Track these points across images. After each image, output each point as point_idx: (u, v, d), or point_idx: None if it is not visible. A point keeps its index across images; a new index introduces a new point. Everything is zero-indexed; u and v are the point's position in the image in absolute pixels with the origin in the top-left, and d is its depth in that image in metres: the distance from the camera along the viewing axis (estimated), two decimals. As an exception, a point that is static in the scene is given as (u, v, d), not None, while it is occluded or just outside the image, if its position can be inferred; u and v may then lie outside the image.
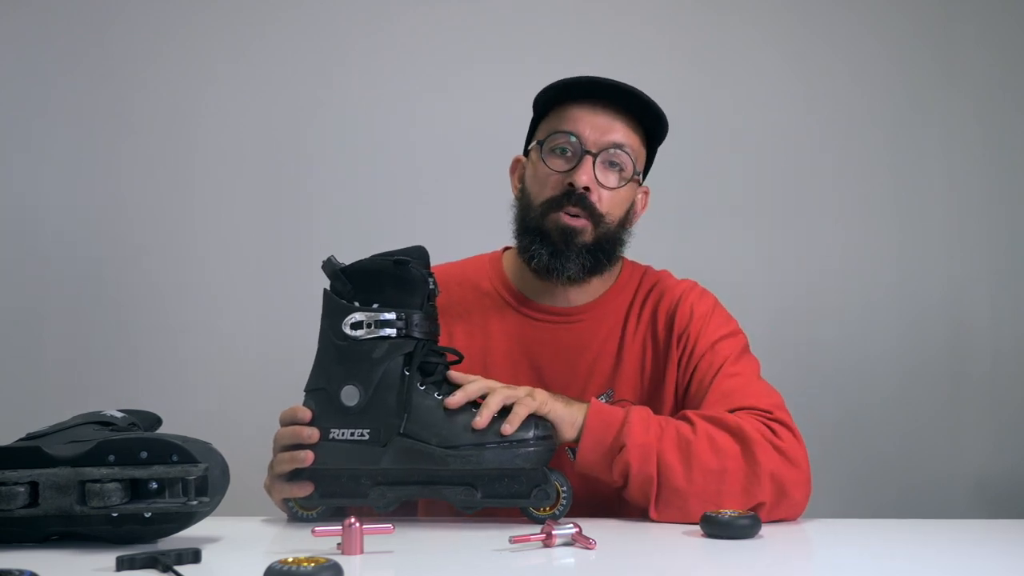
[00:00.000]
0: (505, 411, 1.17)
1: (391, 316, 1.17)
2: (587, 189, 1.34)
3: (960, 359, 2.24)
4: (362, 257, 1.22)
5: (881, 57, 2.29)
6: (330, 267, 1.20)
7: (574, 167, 1.34)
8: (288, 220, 2.25)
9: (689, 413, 1.24)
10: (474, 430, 1.15)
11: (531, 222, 1.38)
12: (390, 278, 1.19)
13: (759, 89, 2.27)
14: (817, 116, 2.28)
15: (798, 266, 2.25)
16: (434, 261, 1.27)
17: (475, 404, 1.19)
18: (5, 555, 1.00)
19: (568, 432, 1.20)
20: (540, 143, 1.39)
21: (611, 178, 1.36)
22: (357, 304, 1.18)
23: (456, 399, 1.16)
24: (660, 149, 1.47)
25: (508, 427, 1.14)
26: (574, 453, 1.23)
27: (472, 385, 1.18)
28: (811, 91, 2.28)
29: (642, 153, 1.41)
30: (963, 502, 2.18)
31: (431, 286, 1.22)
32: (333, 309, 1.20)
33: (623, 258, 1.48)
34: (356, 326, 1.18)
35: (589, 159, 1.34)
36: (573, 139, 1.35)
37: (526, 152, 1.46)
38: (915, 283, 2.25)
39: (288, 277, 2.21)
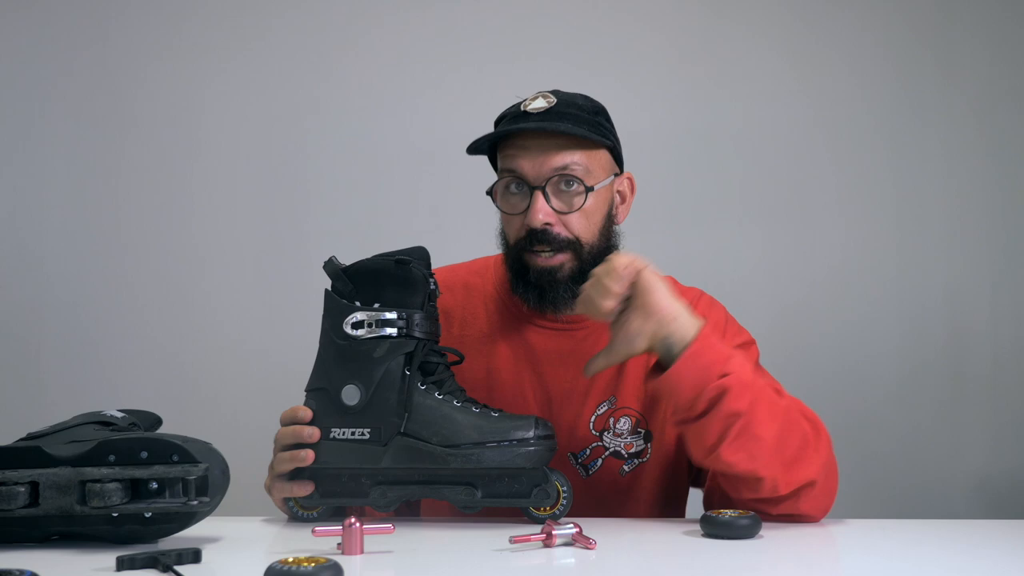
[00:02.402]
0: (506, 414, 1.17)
1: (392, 316, 1.17)
2: (547, 224, 1.30)
3: (960, 359, 2.24)
4: (363, 257, 1.22)
5: (881, 57, 2.29)
6: (332, 267, 1.20)
7: (527, 207, 1.30)
8: (289, 220, 2.25)
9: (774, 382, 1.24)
10: (474, 431, 1.15)
11: (511, 263, 1.35)
12: (391, 278, 1.19)
13: (759, 89, 2.27)
14: (817, 116, 2.28)
15: (798, 266, 2.25)
16: (435, 262, 1.27)
17: (476, 405, 1.19)
18: (5, 555, 1.00)
19: (661, 311, 1.18)
20: (493, 188, 1.36)
21: (568, 201, 1.31)
22: (358, 304, 1.19)
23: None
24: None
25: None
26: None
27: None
28: (811, 91, 2.28)
29: (597, 155, 1.33)
30: (963, 502, 2.18)
31: (432, 286, 1.22)
32: (334, 309, 1.20)
33: None
34: (357, 325, 1.18)
35: (538, 194, 1.28)
36: (519, 180, 1.31)
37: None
38: (915, 283, 2.25)
39: (288, 277, 2.21)
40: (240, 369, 2.20)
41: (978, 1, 2.29)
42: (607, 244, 1.36)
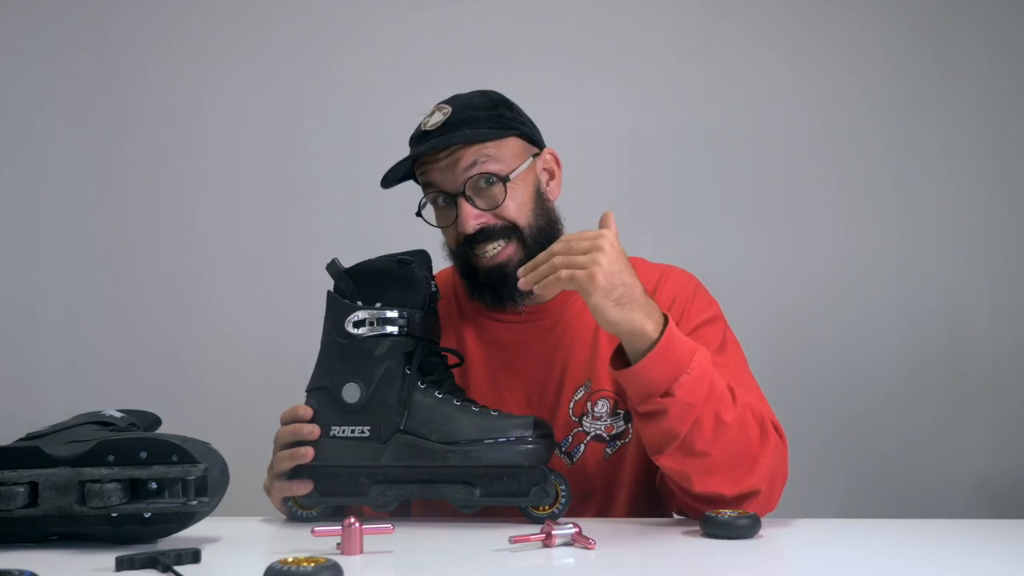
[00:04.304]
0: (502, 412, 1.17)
1: (393, 314, 1.18)
2: (481, 225, 1.31)
3: (960, 359, 2.24)
4: (363, 258, 1.23)
5: (881, 57, 2.29)
6: (334, 268, 1.21)
7: (455, 218, 1.31)
8: (289, 220, 2.25)
9: (732, 384, 1.19)
10: (473, 429, 1.14)
11: (461, 270, 1.36)
12: (393, 278, 1.20)
13: (759, 89, 2.27)
14: (817, 116, 2.28)
15: (798, 266, 2.25)
16: (436, 265, 1.27)
17: (476, 405, 1.19)
18: (5, 555, 1.00)
19: (608, 320, 1.13)
20: (422, 208, 1.37)
21: (490, 197, 1.32)
22: (360, 303, 1.19)
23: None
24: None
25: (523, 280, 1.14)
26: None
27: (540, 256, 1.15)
28: (811, 91, 2.28)
29: (507, 144, 1.34)
30: (963, 502, 2.18)
31: (433, 288, 1.23)
32: (336, 309, 1.21)
33: None
34: (358, 324, 1.18)
35: (461, 201, 1.30)
36: (438, 191, 1.33)
37: None
38: (915, 283, 2.25)
39: (288, 277, 2.21)
40: (240, 369, 2.20)
41: (978, 1, 2.29)
42: (547, 222, 1.36)
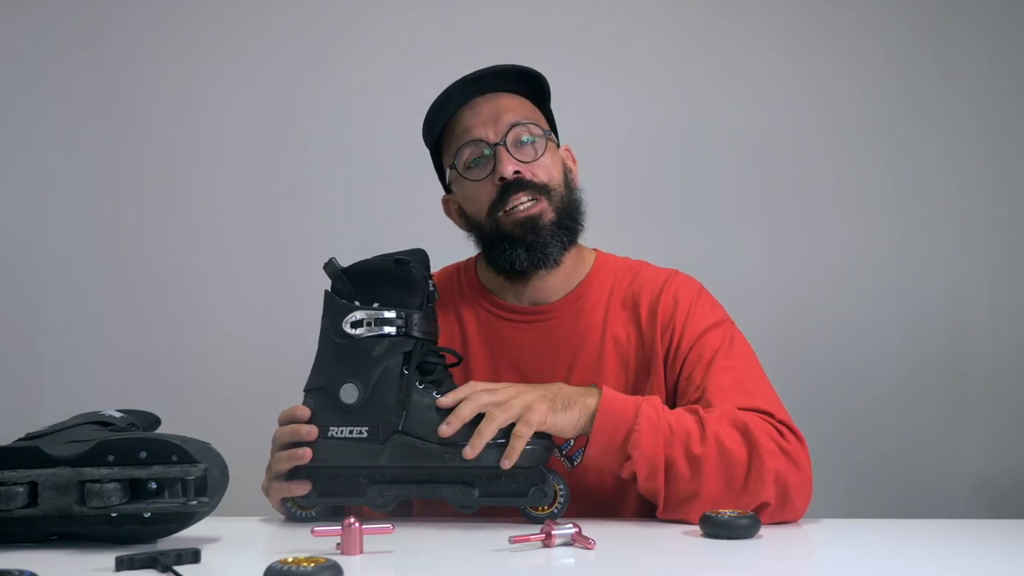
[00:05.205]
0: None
1: (391, 315, 1.18)
2: (517, 173, 1.33)
3: (960, 359, 2.24)
4: (362, 258, 1.23)
5: (881, 57, 2.29)
6: (332, 268, 1.21)
7: (493, 167, 1.34)
8: (288, 220, 2.25)
9: (700, 409, 1.21)
10: (471, 429, 1.15)
11: (492, 234, 1.36)
12: (391, 278, 1.20)
13: (759, 89, 2.27)
14: (817, 116, 2.28)
15: (798, 266, 2.25)
16: (434, 264, 1.27)
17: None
18: (5, 555, 1.00)
19: (569, 433, 1.19)
20: (453, 167, 1.39)
21: (529, 151, 1.36)
22: (357, 303, 1.19)
23: (446, 400, 1.16)
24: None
25: (469, 451, 1.13)
26: (570, 460, 1.23)
27: (464, 408, 1.16)
28: (811, 91, 2.28)
29: (539, 115, 1.41)
30: (963, 502, 2.18)
31: (431, 288, 1.22)
32: (334, 308, 1.20)
33: (596, 250, 1.47)
34: (356, 324, 1.18)
35: (501, 150, 1.33)
36: (478, 144, 1.35)
37: (448, 188, 1.46)
38: (915, 283, 2.25)
39: (288, 277, 2.21)
40: (239, 369, 2.20)
41: (978, 1, 2.29)
42: (572, 198, 1.40)
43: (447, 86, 1.38)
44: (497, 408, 1.15)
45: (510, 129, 1.34)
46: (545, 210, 1.34)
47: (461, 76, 1.37)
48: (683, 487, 1.16)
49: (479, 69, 1.37)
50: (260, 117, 2.27)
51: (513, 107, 1.37)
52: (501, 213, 1.33)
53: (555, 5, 2.29)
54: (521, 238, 1.33)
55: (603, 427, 1.17)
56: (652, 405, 1.19)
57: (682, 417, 1.19)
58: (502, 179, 1.33)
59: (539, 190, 1.34)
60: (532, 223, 1.33)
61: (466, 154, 1.36)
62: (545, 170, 1.36)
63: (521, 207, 1.33)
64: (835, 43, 2.29)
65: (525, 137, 1.35)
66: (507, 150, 1.33)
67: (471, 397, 1.16)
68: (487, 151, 1.34)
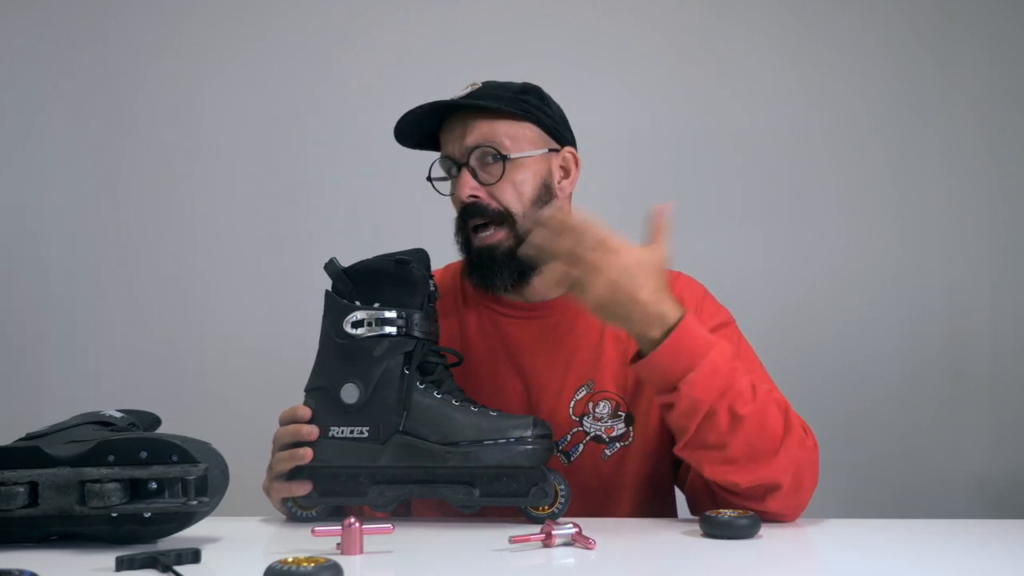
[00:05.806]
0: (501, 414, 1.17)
1: (392, 314, 1.18)
2: (474, 197, 1.32)
3: (960, 359, 2.24)
4: (362, 258, 1.23)
5: (881, 57, 2.29)
6: (332, 268, 1.21)
7: (456, 186, 1.34)
8: (289, 220, 2.25)
9: (755, 378, 1.19)
10: (472, 429, 1.15)
11: (460, 247, 1.37)
12: (391, 278, 1.20)
13: (759, 89, 2.27)
14: (817, 116, 2.28)
15: (798, 266, 2.25)
16: (435, 263, 1.27)
17: (475, 404, 1.19)
18: (5, 555, 1.00)
19: (623, 328, 1.15)
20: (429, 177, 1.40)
21: (493, 171, 1.33)
22: (358, 303, 1.19)
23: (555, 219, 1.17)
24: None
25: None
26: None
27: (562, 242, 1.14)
28: (811, 91, 2.28)
29: (522, 128, 1.35)
30: (963, 502, 2.18)
31: (432, 288, 1.23)
32: (334, 308, 1.20)
33: None
34: (357, 324, 1.18)
35: (464, 170, 1.32)
36: (446, 160, 1.36)
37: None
38: (915, 283, 2.25)
39: (288, 277, 2.21)
40: (240, 369, 2.20)
41: (978, 1, 2.29)
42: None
43: (413, 109, 1.37)
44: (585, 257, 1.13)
45: (474, 149, 1.33)
46: (503, 239, 1.33)
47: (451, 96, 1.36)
48: (713, 438, 1.14)
49: (466, 92, 1.36)
50: (260, 117, 2.27)
51: (485, 125, 1.33)
52: (464, 233, 1.35)
53: (555, 5, 2.29)
54: (476, 264, 1.35)
55: (668, 350, 1.13)
56: (721, 353, 1.15)
57: (741, 377, 1.16)
58: (461, 203, 1.34)
59: (499, 218, 1.33)
60: (488, 252, 1.33)
61: (438, 168, 1.39)
62: (507, 193, 1.33)
63: (481, 233, 1.33)
64: (835, 43, 2.29)
65: (490, 158, 1.33)
66: (471, 171, 1.33)
67: (579, 238, 1.14)
68: (454, 170, 1.36)
